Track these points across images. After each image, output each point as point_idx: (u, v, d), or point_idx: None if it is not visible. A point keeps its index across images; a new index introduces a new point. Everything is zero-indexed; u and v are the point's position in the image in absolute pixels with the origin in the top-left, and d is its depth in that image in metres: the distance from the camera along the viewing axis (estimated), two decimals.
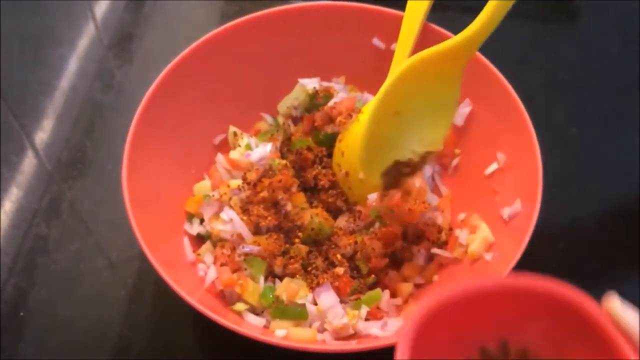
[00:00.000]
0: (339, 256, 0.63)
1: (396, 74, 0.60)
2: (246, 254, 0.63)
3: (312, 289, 0.61)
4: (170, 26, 0.95)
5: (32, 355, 0.65)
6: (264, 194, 0.65)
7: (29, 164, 0.79)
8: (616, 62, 0.87)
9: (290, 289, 0.60)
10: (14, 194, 0.76)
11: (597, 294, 0.67)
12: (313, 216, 0.64)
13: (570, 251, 0.72)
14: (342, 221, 0.66)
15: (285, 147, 0.71)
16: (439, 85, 0.61)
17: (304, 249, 0.64)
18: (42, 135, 0.81)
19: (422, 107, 0.62)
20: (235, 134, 0.72)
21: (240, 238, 0.63)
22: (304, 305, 0.60)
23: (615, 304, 0.41)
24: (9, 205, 0.75)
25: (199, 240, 0.67)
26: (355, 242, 0.64)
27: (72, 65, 0.88)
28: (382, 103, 0.61)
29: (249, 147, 0.69)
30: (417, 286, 0.65)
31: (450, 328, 0.43)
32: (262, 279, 0.62)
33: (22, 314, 0.67)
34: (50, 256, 0.71)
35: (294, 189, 0.66)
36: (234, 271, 0.62)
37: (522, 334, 0.44)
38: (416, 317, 0.40)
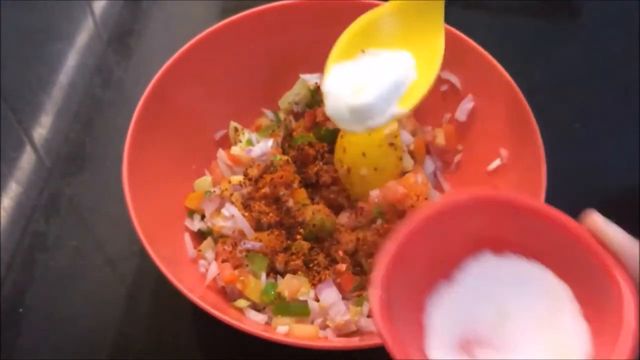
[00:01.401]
0: (341, 253, 0.63)
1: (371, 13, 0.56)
2: (248, 251, 0.62)
3: (314, 285, 0.61)
4: (170, 21, 0.94)
5: (31, 352, 0.65)
6: (266, 190, 0.64)
7: (27, 159, 0.78)
8: (618, 59, 0.87)
9: (292, 285, 0.60)
10: (12, 190, 0.75)
11: None
12: (315, 212, 0.64)
13: None
14: (344, 217, 0.65)
15: (287, 143, 0.70)
16: (420, 28, 0.56)
17: (305, 245, 0.64)
18: (41, 131, 0.80)
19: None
20: (236, 129, 0.71)
21: (242, 234, 0.63)
22: (306, 302, 0.60)
23: (598, 219, 0.42)
24: (7, 201, 0.74)
25: (200, 236, 0.66)
26: (358, 239, 0.63)
27: (71, 60, 0.88)
28: (351, 39, 0.56)
29: (250, 142, 0.69)
30: None
31: (423, 254, 0.43)
32: (263, 275, 0.61)
33: (20, 310, 0.67)
34: (49, 253, 0.71)
35: (295, 185, 0.65)
36: (236, 267, 0.61)
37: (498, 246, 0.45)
38: (388, 252, 0.41)
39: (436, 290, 0.45)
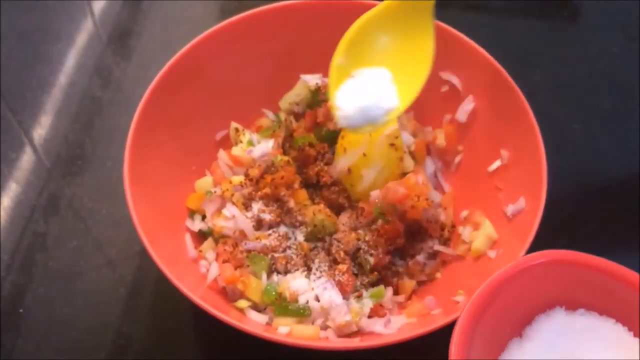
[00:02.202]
0: (341, 253, 0.63)
1: (353, 28, 0.59)
2: (249, 251, 0.62)
3: (315, 286, 0.61)
4: (169, 22, 0.94)
5: (31, 352, 0.64)
6: (266, 190, 0.64)
7: (27, 160, 0.78)
8: (617, 59, 0.87)
9: (293, 286, 0.60)
10: (12, 191, 0.75)
11: None
12: (315, 213, 0.64)
13: (571, 248, 0.72)
14: (344, 218, 0.65)
15: (287, 144, 0.70)
16: (411, 35, 0.59)
17: (306, 245, 0.64)
18: (41, 131, 0.80)
19: (393, 57, 0.60)
20: (237, 130, 0.71)
21: (243, 235, 0.63)
22: (307, 302, 0.60)
23: None
24: (7, 201, 0.74)
25: (200, 236, 0.66)
26: (358, 239, 0.63)
27: (71, 61, 0.87)
28: (346, 50, 0.59)
29: (250, 143, 0.69)
30: (420, 283, 0.65)
31: (504, 304, 0.45)
32: (264, 275, 0.61)
33: (21, 311, 0.67)
34: (49, 253, 0.71)
35: (296, 185, 0.65)
36: (236, 268, 0.61)
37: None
38: (475, 299, 0.43)
39: (508, 348, 0.45)
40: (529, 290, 0.45)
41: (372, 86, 0.59)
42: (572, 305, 0.46)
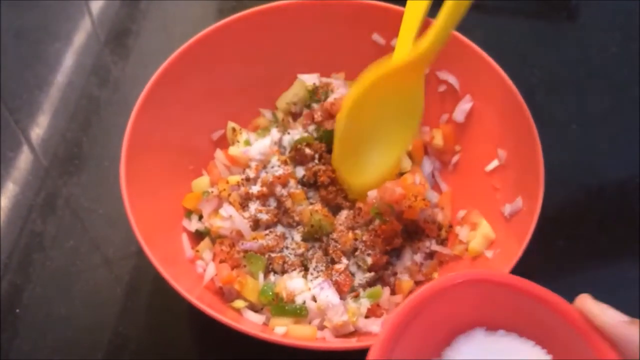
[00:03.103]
0: (339, 253, 0.63)
1: (355, 92, 0.61)
2: (245, 251, 0.62)
3: (312, 286, 0.61)
4: (167, 22, 0.94)
5: (28, 352, 0.64)
6: (263, 190, 0.64)
7: (24, 159, 0.78)
8: (616, 59, 0.87)
9: (290, 286, 0.60)
10: (9, 190, 0.75)
11: (597, 291, 0.67)
12: (313, 213, 0.64)
13: (569, 249, 0.72)
14: (342, 218, 0.65)
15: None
16: (402, 96, 0.62)
17: (303, 245, 0.64)
18: (38, 130, 0.80)
19: (388, 117, 0.63)
20: (234, 129, 0.71)
21: (240, 235, 0.63)
22: (303, 302, 0.59)
23: (587, 301, 0.41)
24: (4, 201, 0.74)
25: (197, 236, 0.66)
26: (355, 239, 0.63)
27: (68, 60, 0.87)
28: (348, 116, 0.61)
29: (247, 142, 0.69)
30: (418, 283, 0.65)
31: (423, 324, 0.43)
32: (261, 275, 0.61)
33: (17, 310, 0.66)
34: (46, 253, 0.71)
35: (293, 185, 0.65)
36: (233, 268, 0.61)
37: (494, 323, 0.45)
38: (393, 321, 0.42)
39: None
40: (449, 310, 0.44)
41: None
42: (493, 326, 0.45)
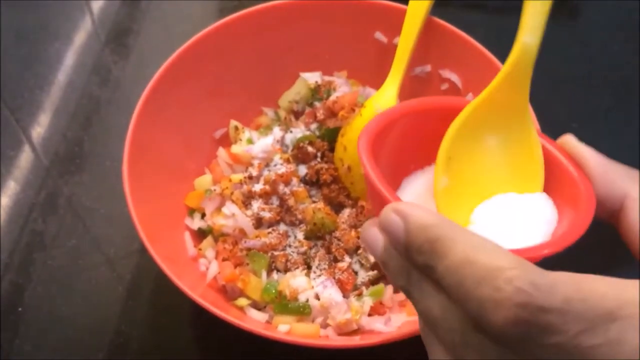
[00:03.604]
0: (341, 251, 0.63)
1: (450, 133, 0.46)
2: (248, 249, 0.62)
3: (315, 284, 0.60)
4: (168, 21, 0.94)
5: (29, 352, 0.64)
6: (266, 188, 0.64)
7: (25, 158, 0.78)
8: (617, 58, 0.87)
9: (293, 284, 0.60)
10: (10, 189, 0.75)
11: None
12: (315, 211, 0.64)
13: (569, 248, 0.72)
14: (344, 216, 0.65)
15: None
16: (510, 139, 0.49)
17: (306, 243, 0.63)
18: (39, 129, 0.80)
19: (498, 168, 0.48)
20: (236, 128, 0.71)
21: (243, 233, 0.63)
22: (307, 300, 0.59)
23: (571, 138, 0.46)
24: (5, 200, 0.74)
25: (200, 235, 0.66)
26: (358, 237, 0.63)
27: (69, 59, 0.87)
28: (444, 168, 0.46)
29: (250, 141, 0.69)
30: None
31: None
32: (264, 274, 0.61)
33: (19, 310, 0.66)
34: (47, 252, 0.70)
35: (295, 183, 0.65)
36: (236, 266, 0.61)
37: None
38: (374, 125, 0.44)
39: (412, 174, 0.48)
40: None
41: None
42: None
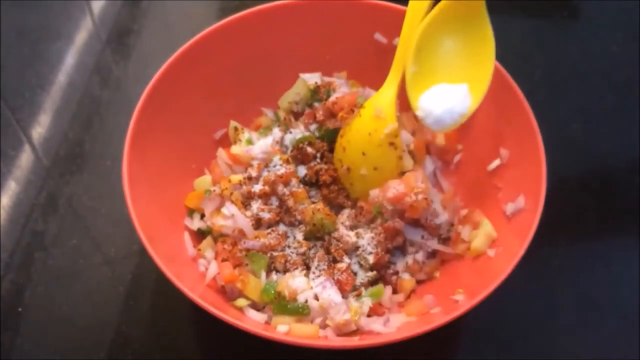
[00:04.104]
0: (340, 252, 0.63)
1: (421, 28, 0.60)
2: (247, 250, 0.62)
3: (314, 284, 0.61)
4: (169, 21, 0.94)
5: (30, 351, 0.64)
6: (265, 189, 0.64)
7: (26, 159, 0.78)
8: (617, 58, 0.87)
9: (292, 284, 0.60)
10: (11, 189, 0.75)
11: (598, 291, 0.67)
12: (315, 212, 0.64)
13: (570, 247, 0.72)
14: (343, 217, 0.65)
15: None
16: (470, 35, 0.61)
17: (305, 244, 0.64)
18: (40, 130, 0.80)
19: (458, 57, 0.62)
20: (236, 128, 0.71)
21: (242, 233, 0.63)
22: (306, 301, 0.59)
23: None
24: (6, 200, 0.74)
25: (199, 235, 0.66)
26: (357, 238, 0.63)
27: (70, 60, 0.87)
28: (415, 57, 0.61)
29: (249, 141, 0.69)
30: (419, 282, 0.65)
31: None
32: (263, 274, 0.61)
33: (20, 310, 0.66)
34: (48, 252, 0.70)
35: (295, 184, 0.65)
36: (235, 267, 0.61)
37: None
38: None
39: None
40: None
41: (452, 91, 0.60)
42: None
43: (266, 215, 0.64)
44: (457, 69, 0.61)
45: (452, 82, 0.60)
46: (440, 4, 0.59)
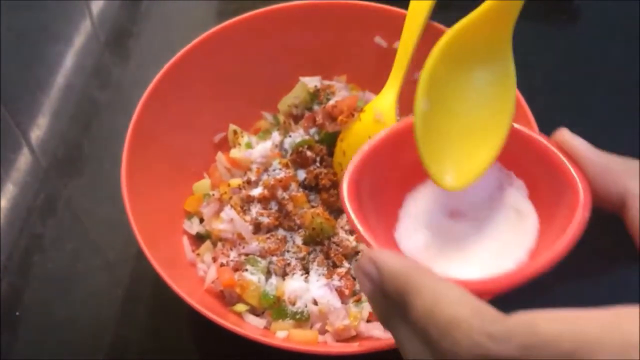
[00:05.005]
0: (340, 256, 0.62)
1: (431, 60, 0.45)
2: (247, 254, 0.62)
3: (313, 289, 0.60)
4: (168, 23, 0.94)
5: (28, 355, 0.64)
6: (265, 193, 0.64)
7: (24, 161, 0.78)
8: (618, 61, 0.87)
9: (292, 289, 0.60)
10: (9, 192, 0.75)
11: (598, 292, 0.67)
12: (314, 216, 0.64)
13: (571, 251, 0.72)
14: (343, 221, 0.65)
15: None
16: (488, 64, 0.46)
17: (305, 249, 0.63)
18: (38, 132, 0.80)
19: (475, 94, 0.47)
20: (235, 132, 0.71)
21: (241, 238, 0.63)
22: (305, 306, 0.59)
23: (566, 133, 0.44)
24: (3, 202, 0.74)
25: (198, 239, 0.66)
26: (357, 243, 0.63)
27: (69, 62, 0.87)
28: (426, 94, 0.45)
29: (249, 145, 0.69)
30: None
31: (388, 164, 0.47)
32: (262, 279, 0.61)
33: (17, 313, 0.66)
34: (46, 255, 0.70)
35: (294, 188, 0.65)
36: (235, 271, 0.61)
37: None
38: (358, 159, 0.45)
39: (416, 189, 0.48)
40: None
41: None
42: None
43: (265, 220, 0.63)
44: (474, 112, 0.47)
45: (467, 129, 0.47)
46: (458, 25, 0.45)
